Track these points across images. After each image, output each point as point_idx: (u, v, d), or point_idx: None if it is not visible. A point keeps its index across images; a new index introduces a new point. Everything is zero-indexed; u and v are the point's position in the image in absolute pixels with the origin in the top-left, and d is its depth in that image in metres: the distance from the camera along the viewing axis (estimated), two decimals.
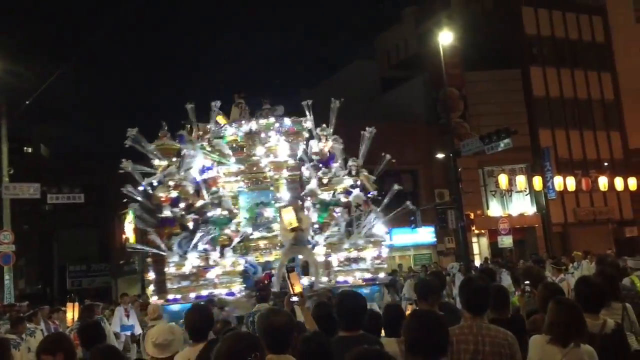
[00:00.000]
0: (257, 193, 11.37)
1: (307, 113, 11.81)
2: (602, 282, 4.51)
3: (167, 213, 9.95)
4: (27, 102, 19.19)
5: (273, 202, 11.32)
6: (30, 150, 52.53)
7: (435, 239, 28.25)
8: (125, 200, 11.57)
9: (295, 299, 4.33)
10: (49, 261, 42.89)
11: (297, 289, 4.33)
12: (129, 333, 12.63)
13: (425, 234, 27.44)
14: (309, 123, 11.82)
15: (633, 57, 32.15)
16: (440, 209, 26.85)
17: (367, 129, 11.83)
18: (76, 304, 9.22)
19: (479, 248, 29.44)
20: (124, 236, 35.04)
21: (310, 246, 10.67)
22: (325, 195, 11.15)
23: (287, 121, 11.70)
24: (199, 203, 10.23)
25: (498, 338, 3.67)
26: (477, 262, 24.16)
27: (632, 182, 30.94)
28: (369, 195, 11.47)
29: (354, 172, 11.55)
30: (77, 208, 29.10)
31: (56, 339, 4.21)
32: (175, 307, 9.44)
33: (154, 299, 9.70)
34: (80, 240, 42.14)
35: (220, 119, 11.74)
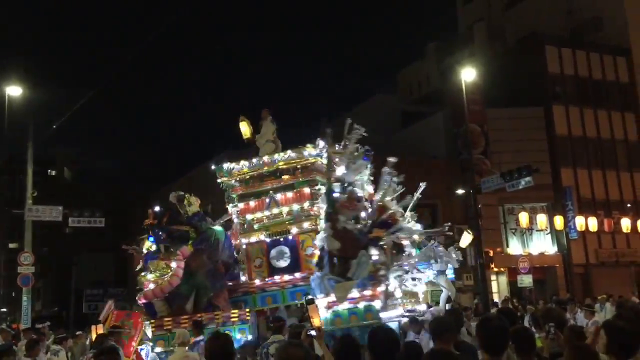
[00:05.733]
0: None
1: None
2: (630, 326, 4.39)
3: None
4: (54, 127, 19.60)
5: None
6: (54, 173, 53.40)
7: (453, 276, 27.83)
8: (143, 227, 11.38)
9: (313, 332, 4.27)
10: (66, 284, 43.14)
11: (316, 322, 4.28)
12: None
13: None
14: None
15: None
16: (457, 248, 26.56)
17: (387, 165, 11.83)
18: (99, 325, 9.04)
19: (498, 286, 28.99)
20: (141, 261, 35.17)
21: None
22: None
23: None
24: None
25: None
26: (496, 300, 23.76)
27: None
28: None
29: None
30: (96, 232, 29.39)
31: None
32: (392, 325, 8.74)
33: (383, 315, 8.97)
34: (98, 265, 42.42)
35: (245, 125, 11.50)
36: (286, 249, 10.50)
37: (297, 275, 10.31)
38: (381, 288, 9.11)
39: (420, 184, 11.60)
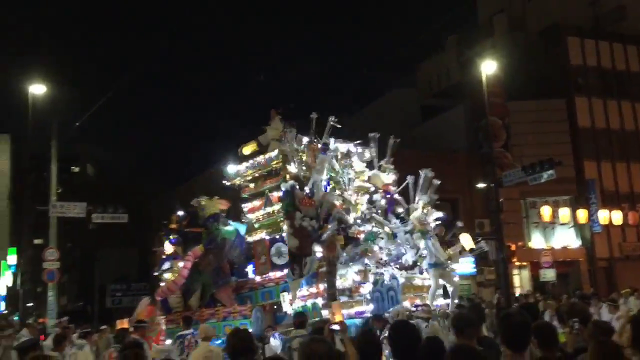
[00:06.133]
0: None
1: (372, 144, 11.91)
2: None
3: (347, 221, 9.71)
4: (77, 124, 19.84)
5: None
6: (77, 169, 54.07)
7: (475, 270, 27.73)
8: (165, 222, 11.75)
9: (335, 327, 4.30)
10: (90, 279, 43.74)
11: (338, 317, 4.32)
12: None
13: (465, 265, 26.91)
14: (369, 154, 11.93)
15: None
16: (481, 239, 26.37)
17: (422, 170, 11.93)
18: (124, 320, 9.40)
19: (520, 280, 28.76)
20: (163, 256, 35.50)
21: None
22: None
23: (358, 149, 11.87)
24: (354, 215, 10.04)
25: None
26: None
27: None
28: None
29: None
30: (119, 227, 29.71)
31: None
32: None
33: (323, 312, 9.06)
34: (121, 259, 42.90)
35: (248, 149, 11.71)
36: (285, 246, 10.65)
37: (286, 271, 10.43)
38: (323, 285, 9.20)
39: (423, 170, 11.64)
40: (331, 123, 10.77)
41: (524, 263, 28.70)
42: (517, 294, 23.64)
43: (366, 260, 9.76)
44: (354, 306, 9.17)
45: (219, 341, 8.45)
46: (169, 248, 11.44)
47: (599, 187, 29.09)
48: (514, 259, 27.81)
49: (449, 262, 11.25)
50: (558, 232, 29.31)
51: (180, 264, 10.51)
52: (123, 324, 9.30)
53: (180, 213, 11.29)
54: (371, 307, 9.11)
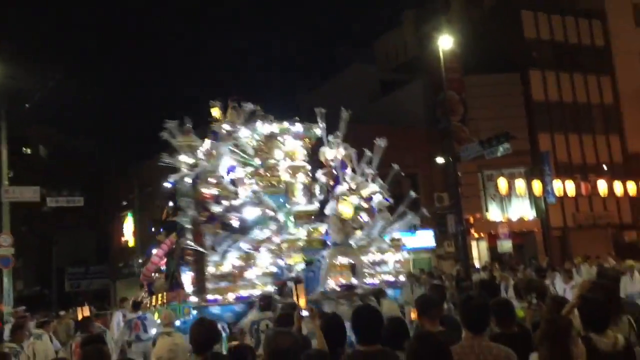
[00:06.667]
0: (272, 197, 11.20)
1: (319, 120, 11.80)
2: (604, 298, 4.47)
3: (216, 209, 9.75)
4: (27, 105, 19.18)
5: (287, 206, 11.27)
6: (29, 151, 52.43)
7: (434, 243, 28.25)
8: (125, 204, 11.87)
9: (305, 313, 4.30)
10: (47, 263, 42.76)
11: (302, 302, 4.31)
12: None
13: (425, 238, 27.43)
14: (319, 130, 11.81)
15: (632, 61, 32.23)
16: (440, 213, 26.83)
17: (377, 139, 11.86)
18: (85, 307, 9.41)
19: (478, 252, 29.41)
20: (122, 238, 35.02)
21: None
22: (354, 200, 11.14)
23: (299, 126, 11.75)
24: (239, 201, 10.03)
25: (500, 357, 3.69)
26: (477, 266, 24.11)
27: (631, 187, 30.90)
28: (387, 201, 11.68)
29: (369, 179, 11.62)
30: (75, 210, 29.05)
31: None
32: (215, 310, 9.30)
33: (192, 299, 9.50)
34: (79, 242, 41.99)
35: (216, 110, 11.68)
36: None
37: None
38: (188, 274, 9.61)
39: (377, 140, 11.65)
40: (231, 109, 10.86)
41: (482, 235, 29.34)
42: (476, 266, 24.21)
43: (244, 245, 9.78)
44: (235, 290, 9.42)
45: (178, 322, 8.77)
46: (128, 229, 11.84)
47: (552, 159, 29.79)
48: (472, 231, 28.42)
49: (349, 240, 11.08)
50: (514, 203, 29.99)
51: (154, 251, 11.01)
52: (84, 311, 9.17)
53: (171, 204, 11.48)
54: (257, 291, 9.33)
